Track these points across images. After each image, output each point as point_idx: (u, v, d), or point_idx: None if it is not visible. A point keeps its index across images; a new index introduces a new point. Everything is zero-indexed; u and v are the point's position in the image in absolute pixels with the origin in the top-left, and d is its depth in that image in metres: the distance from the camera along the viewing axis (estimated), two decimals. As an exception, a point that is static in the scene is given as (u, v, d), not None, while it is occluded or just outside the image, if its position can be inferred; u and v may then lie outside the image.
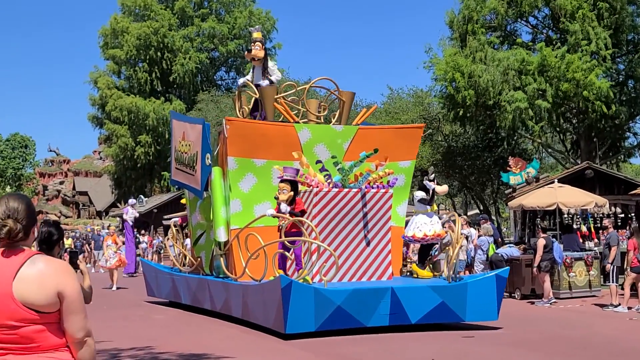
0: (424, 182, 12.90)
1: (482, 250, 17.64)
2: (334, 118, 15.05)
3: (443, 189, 13.09)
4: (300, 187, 12.41)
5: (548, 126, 30.99)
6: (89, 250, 33.42)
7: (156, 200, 43.83)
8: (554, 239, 17.36)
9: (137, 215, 24.46)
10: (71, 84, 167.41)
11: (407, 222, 13.79)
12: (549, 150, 36.37)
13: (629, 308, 14.43)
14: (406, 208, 14.96)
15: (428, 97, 37.00)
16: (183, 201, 16.79)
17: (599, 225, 22.83)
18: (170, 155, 16.25)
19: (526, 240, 20.43)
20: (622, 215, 23.91)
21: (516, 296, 16.83)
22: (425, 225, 12.58)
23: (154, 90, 49.38)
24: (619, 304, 14.69)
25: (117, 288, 20.24)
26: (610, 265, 15.01)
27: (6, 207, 3.20)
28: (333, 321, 10.93)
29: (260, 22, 49.01)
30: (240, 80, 15.07)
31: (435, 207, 13.00)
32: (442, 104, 32.01)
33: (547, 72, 28.32)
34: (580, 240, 19.38)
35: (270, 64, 14.72)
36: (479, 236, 17.99)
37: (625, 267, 15.31)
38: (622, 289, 15.00)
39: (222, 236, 13.29)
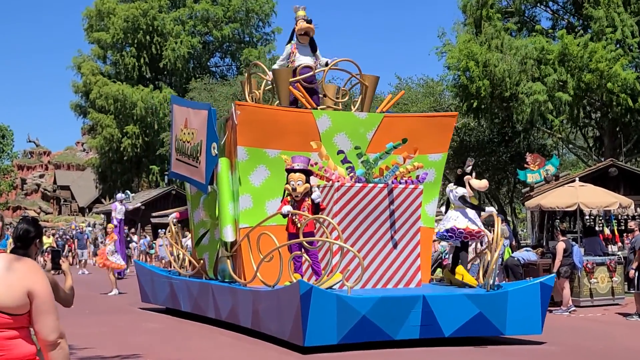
0: (459, 172, 12.29)
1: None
2: (354, 106, 14.48)
3: (482, 183, 12.47)
4: (317, 181, 11.93)
5: (569, 120, 30.93)
6: (73, 249, 33.54)
7: (144, 196, 43.78)
8: (574, 243, 17.32)
9: (129, 208, 24.36)
10: (53, 70, 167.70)
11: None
12: (570, 146, 36.29)
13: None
14: (436, 207, 14.40)
15: (439, 87, 36.99)
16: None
17: (623, 227, 22.90)
18: (170, 145, 15.66)
19: (544, 244, 20.43)
20: (648, 217, 23.98)
21: (533, 304, 16.87)
22: (477, 220, 11.98)
23: (142, 77, 49.30)
24: None
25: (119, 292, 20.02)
26: (634, 271, 15.03)
27: None
28: (357, 333, 10.38)
29: (259, 4, 49.01)
30: (279, 64, 14.18)
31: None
32: (454, 94, 31.96)
33: (568, 61, 28.23)
34: (603, 244, 19.44)
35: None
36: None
37: None
38: None
39: (229, 236, 12.74)
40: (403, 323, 10.64)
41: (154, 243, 36.13)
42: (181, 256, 15.77)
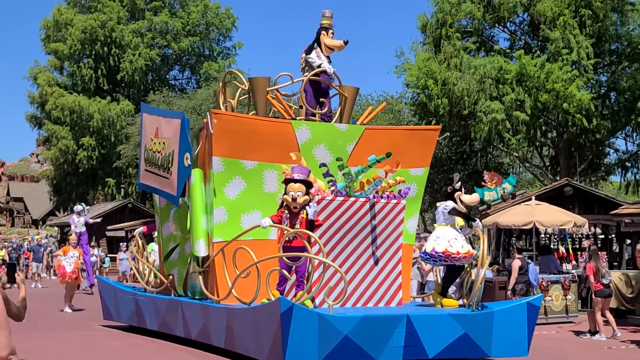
0: (449, 190, 11.74)
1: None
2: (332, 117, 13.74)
3: (474, 198, 11.95)
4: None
5: (526, 139, 31.34)
6: (27, 263, 32.97)
7: (99, 209, 43.26)
8: (530, 260, 17.49)
9: (89, 221, 23.42)
10: (8, 80, 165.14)
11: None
12: (527, 165, 36.68)
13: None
14: (416, 223, 13.93)
15: (399, 104, 37.30)
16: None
17: (577, 246, 23.22)
18: (139, 156, 14.89)
19: (500, 261, 20.64)
20: (602, 236, 24.24)
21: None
22: (457, 242, 11.32)
23: (99, 88, 48.72)
24: (597, 332, 15.00)
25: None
26: (587, 290, 15.29)
27: None
28: (339, 354, 9.80)
29: (219, 18, 48.93)
30: (318, 63, 13.26)
31: (462, 222, 11.66)
32: (413, 111, 32.26)
33: (525, 81, 28.60)
34: (558, 262, 19.68)
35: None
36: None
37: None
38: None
39: (201, 250, 12.09)
40: (386, 343, 10.15)
41: (107, 257, 35.72)
42: (147, 271, 15.04)
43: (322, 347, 9.69)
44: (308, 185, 10.64)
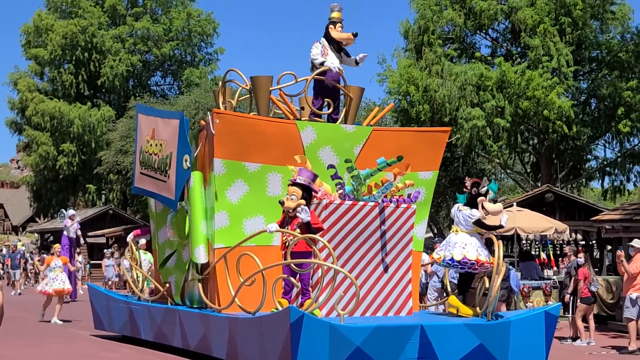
0: (473, 192, 11.18)
1: (438, 276, 17.79)
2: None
3: (497, 208, 11.45)
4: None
5: (507, 146, 31.49)
6: (6, 270, 32.64)
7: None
8: (511, 267, 17.56)
9: (78, 228, 22.21)
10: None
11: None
12: (508, 171, 36.86)
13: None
14: (425, 229, 13.44)
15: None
16: None
17: (558, 252, 23.39)
18: (133, 158, 14.29)
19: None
20: (583, 242, 24.43)
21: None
22: (484, 250, 10.97)
23: (80, 94, 48.34)
24: (578, 337, 15.09)
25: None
26: (569, 295, 15.37)
27: None
28: None
29: (201, 25, 48.84)
30: (320, 61, 12.62)
31: (479, 229, 11.29)
32: (395, 118, 32.34)
33: (506, 88, 28.64)
34: (539, 268, 19.79)
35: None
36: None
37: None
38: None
39: (201, 257, 11.56)
40: (399, 355, 9.66)
41: (88, 264, 35.50)
42: (141, 279, 14.39)
43: (333, 359, 9.22)
44: (307, 189, 10.15)
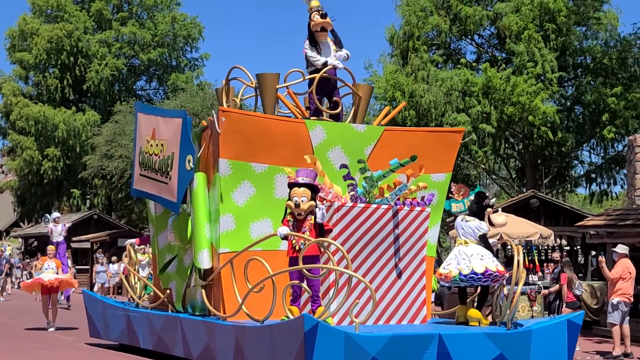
0: (484, 204, 10.82)
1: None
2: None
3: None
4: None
5: (492, 151, 31.67)
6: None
7: (64, 220, 42.82)
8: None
9: (65, 229, 21.75)
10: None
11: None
12: (493, 177, 37.03)
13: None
14: (438, 234, 12.93)
15: (367, 116, 37.40)
16: None
17: (543, 257, 23.46)
18: (133, 160, 13.74)
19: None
20: (568, 247, 24.54)
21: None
22: (490, 259, 10.65)
23: (65, 98, 48.09)
24: None
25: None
26: (547, 291, 15.65)
27: None
28: None
29: (186, 29, 48.79)
30: (322, 61, 12.08)
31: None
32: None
33: (491, 94, 28.72)
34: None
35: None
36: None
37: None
38: None
39: (205, 262, 11.06)
40: None
41: (74, 269, 35.26)
42: (139, 285, 13.87)
43: (348, 370, 8.50)
44: (314, 189, 9.68)
